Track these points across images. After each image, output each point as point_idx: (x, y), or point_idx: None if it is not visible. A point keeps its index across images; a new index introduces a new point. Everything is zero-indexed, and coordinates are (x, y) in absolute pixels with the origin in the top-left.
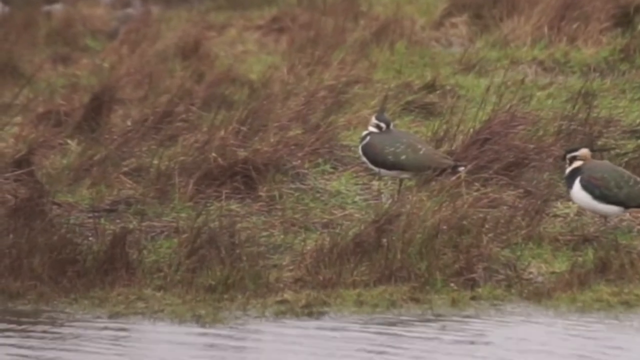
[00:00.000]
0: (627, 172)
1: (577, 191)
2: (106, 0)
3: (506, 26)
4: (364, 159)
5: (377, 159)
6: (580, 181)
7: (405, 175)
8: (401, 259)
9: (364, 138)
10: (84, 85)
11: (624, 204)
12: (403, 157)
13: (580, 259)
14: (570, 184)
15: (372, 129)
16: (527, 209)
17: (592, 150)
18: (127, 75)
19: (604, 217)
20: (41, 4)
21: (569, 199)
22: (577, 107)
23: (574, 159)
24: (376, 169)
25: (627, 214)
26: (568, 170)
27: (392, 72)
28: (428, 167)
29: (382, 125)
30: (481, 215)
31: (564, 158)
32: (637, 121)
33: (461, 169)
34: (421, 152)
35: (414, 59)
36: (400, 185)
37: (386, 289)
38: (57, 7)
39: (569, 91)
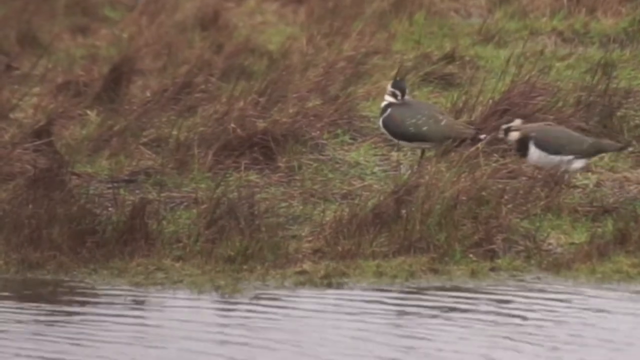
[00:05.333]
0: (570, 131)
1: (534, 152)
2: None
3: None
4: (384, 131)
5: (398, 131)
6: (535, 143)
7: (426, 145)
8: (420, 230)
9: (384, 110)
10: (103, 55)
11: (580, 155)
12: (425, 128)
13: (599, 230)
14: (523, 151)
15: (388, 97)
16: (546, 180)
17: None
18: (146, 46)
19: (568, 168)
20: None
21: (588, 170)
22: (596, 78)
23: (509, 129)
24: (396, 141)
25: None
26: (514, 140)
27: (411, 43)
28: (449, 137)
29: (397, 92)
30: (500, 186)
31: (502, 133)
32: None
33: (482, 136)
34: (442, 122)
35: (433, 30)
36: (421, 155)
37: (405, 260)
38: None
39: (588, 62)
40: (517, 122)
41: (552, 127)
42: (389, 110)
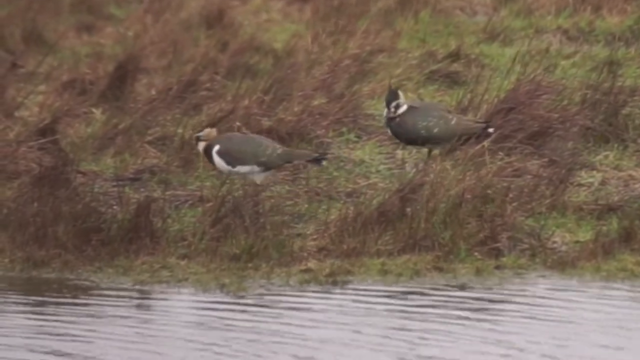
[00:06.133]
0: (263, 140)
1: (218, 162)
2: None
3: None
4: (394, 138)
5: (410, 137)
6: (218, 153)
7: (437, 146)
8: (425, 228)
9: (392, 119)
10: (108, 54)
11: (266, 166)
12: (436, 130)
13: (604, 228)
14: (210, 160)
15: (385, 112)
16: (551, 178)
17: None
18: (151, 44)
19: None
20: None
21: (593, 168)
22: (601, 76)
23: (198, 139)
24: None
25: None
26: (201, 150)
27: (417, 41)
28: (460, 134)
29: (384, 106)
30: (505, 184)
31: (197, 139)
32: None
33: (491, 130)
34: (453, 121)
35: (438, 28)
36: (429, 154)
37: (410, 258)
38: None
39: (593, 60)
40: (206, 131)
41: (237, 136)
42: (397, 118)
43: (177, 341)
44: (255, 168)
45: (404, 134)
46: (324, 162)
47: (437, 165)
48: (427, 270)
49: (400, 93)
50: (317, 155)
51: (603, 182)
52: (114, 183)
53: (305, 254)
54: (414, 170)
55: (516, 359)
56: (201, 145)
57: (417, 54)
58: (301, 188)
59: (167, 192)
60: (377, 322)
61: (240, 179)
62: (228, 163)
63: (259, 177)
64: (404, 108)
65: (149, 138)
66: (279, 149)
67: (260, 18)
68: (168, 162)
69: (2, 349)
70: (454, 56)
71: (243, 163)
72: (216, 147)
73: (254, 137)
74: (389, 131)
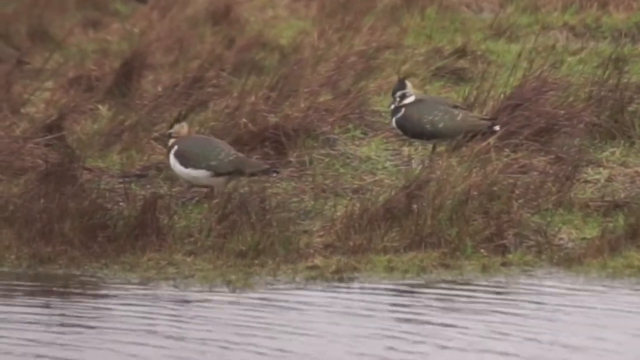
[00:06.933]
0: (220, 145)
1: (173, 163)
2: None
3: None
4: (399, 131)
5: (415, 130)
6: (174, 153)
7: (442, 141)
8: (431, 225)
9: (397, 110)
10: (114, 50)
11: (216, 171)
12: (441, 124)
13: (610, 224)
14: (169, 156)
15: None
16: (558, 175)
17: (179, 121)
18: (157, 41)
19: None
20: None
21: (600, 165)
22: (607, 72)
23: (170, 136)
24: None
25: None
26: (169, 146)
27: (423, 38)
28: (466, 131)
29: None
30: (511, 181)
31: (169, 136)
32: None
33: (496, 127)
34: (459, 117)
35: (444, 25)
36: (433, 150)
37: (416, 255)
38: None
39: (599, 57)
40: (176, 127)
41: (196, 138)
42: (402, 109)
43: (183, 337)
44: (205, 172)
45: (409, 127)
46: (275, 174)
47: (443, 162)
48: (433, 267)
49: (408, 83)
50: (268, 167)
51: (609, 179)
52: (120, 179)
53: (312, 251)
54: (420, 166)
55: (522, 356)
56: (170, 143)
57: (424, 51)
58: (307, 184)
59: (174, 189)
60: (383, 319)
61: (196, 185)
62: (182, 164)
63: (216, 182)
64: (410, 99)
65: (155, 134)
66: (233, 155)
67: (267, 14)
68: None
69: (8, 345)
70: (460, 53)
71: (194, 166)
72: (175, 148)
73: (212, 140)
74: (393, 123)
